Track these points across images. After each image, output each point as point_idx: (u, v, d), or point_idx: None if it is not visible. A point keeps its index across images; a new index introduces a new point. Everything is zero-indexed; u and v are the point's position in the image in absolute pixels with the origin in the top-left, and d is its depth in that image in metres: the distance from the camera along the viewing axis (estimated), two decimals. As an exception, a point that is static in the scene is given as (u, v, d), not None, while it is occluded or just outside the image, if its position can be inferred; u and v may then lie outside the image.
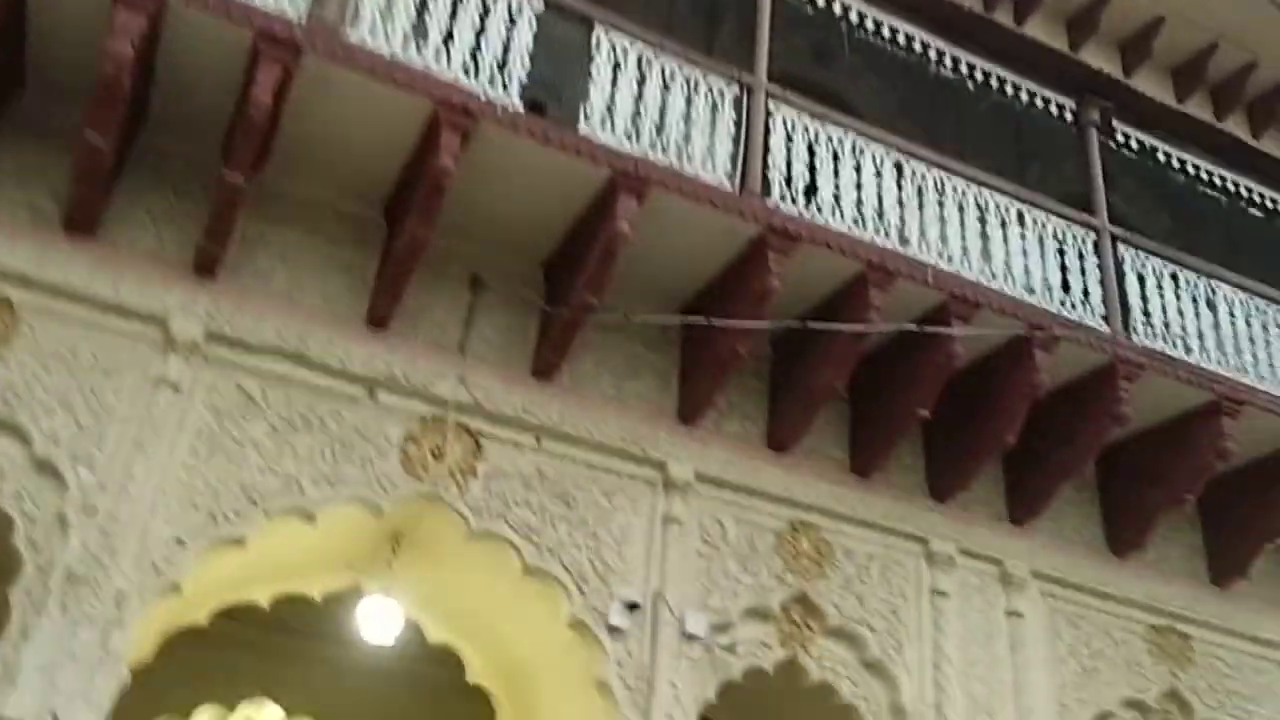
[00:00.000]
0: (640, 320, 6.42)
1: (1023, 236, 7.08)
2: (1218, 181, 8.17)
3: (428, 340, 6.14)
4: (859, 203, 6.60)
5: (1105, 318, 6.89)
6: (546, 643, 6.23)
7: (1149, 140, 7.98)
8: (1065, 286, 7.04)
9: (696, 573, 6.25)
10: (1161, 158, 8.00)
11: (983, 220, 7.00)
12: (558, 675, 6.32)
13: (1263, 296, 7.64)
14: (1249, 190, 8.23)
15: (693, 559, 6.28)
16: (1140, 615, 7.30)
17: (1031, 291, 6.83)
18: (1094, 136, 7.77)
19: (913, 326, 6.17)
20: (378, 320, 6.00)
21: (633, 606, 5.98)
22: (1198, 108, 9.54)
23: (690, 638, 6.05)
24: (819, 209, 6.42)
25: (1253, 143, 9.07)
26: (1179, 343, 7.04)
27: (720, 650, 6.12)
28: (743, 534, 6.47)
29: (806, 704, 6.47)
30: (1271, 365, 7.38)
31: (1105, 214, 7.35)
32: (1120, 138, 7.87)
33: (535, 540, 5.92)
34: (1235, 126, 9.53)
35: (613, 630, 5.89)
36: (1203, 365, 7.07)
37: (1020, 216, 7.14)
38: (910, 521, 6.89)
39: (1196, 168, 8.03)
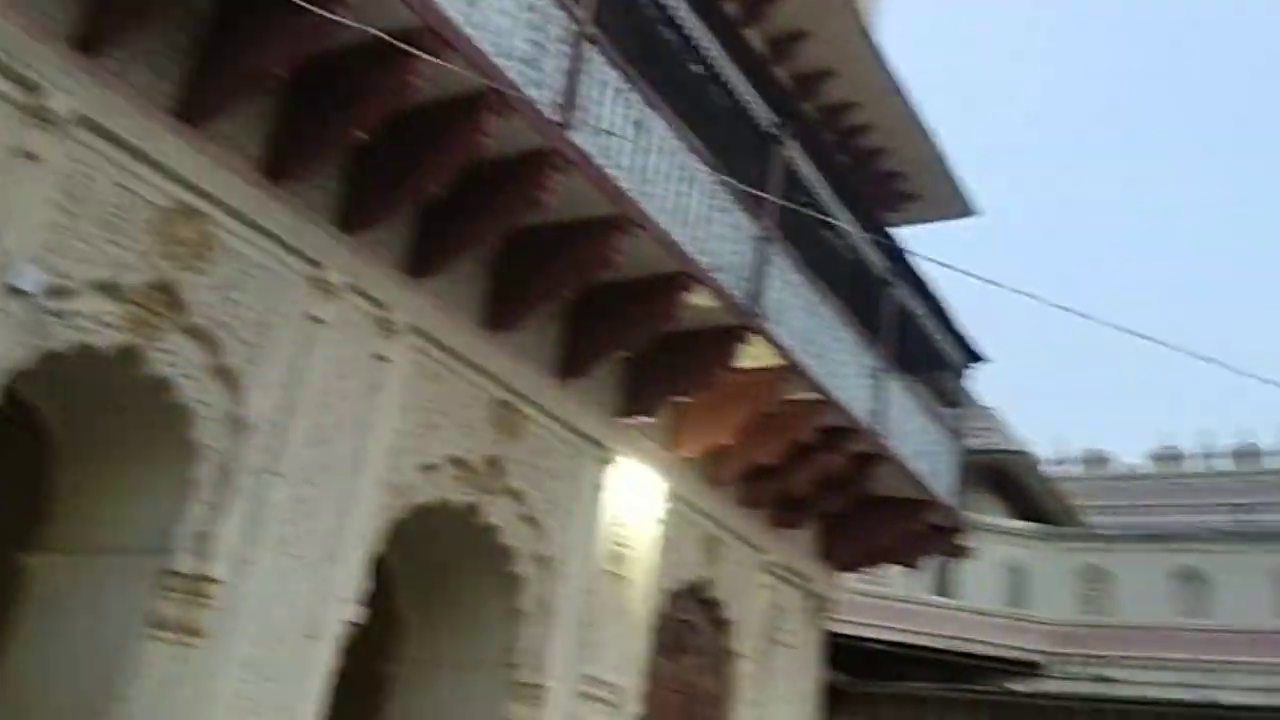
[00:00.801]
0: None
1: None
2: (680, 25, 8.63)
3: None
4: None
5: (560, 107, 6.99)
6: None
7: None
8: (536, 67, 6.97)
9: (46, 224, 5.32)
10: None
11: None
12: None
13: (683, 141, 8.32)
14: (700, 46, 8.83)
15: (46, 207, 5.32)
16: (491, 387, 7.81)
17: (505, 57, 6.65)
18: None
19: (383, 35, 5.65)
20: None
21: (-51, 239, 4.90)
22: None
23: (15, 292, 5.15)
24: None
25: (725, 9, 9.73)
26: (608, 154, 7.40)
27: (49, 316, 5.31)
28: (117, 199, 5.64)
29: (138, 395, 5.95)
30: (670, 202, 8.12)
31: (591, 13, 7.38)
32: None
33: None
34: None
35: (-86, 259, 4.78)
36: (619, 183, 7.54)
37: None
38: (306, 241, 6.53)
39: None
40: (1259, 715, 17.30)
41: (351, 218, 6.78)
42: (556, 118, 6.97)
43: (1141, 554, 21.42)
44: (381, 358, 6.96)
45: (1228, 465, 28.45)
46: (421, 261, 7.22)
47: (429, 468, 7.33)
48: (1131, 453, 29.87)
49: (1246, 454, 28.45)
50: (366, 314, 6.89)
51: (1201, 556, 21.00)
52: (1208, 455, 28.92)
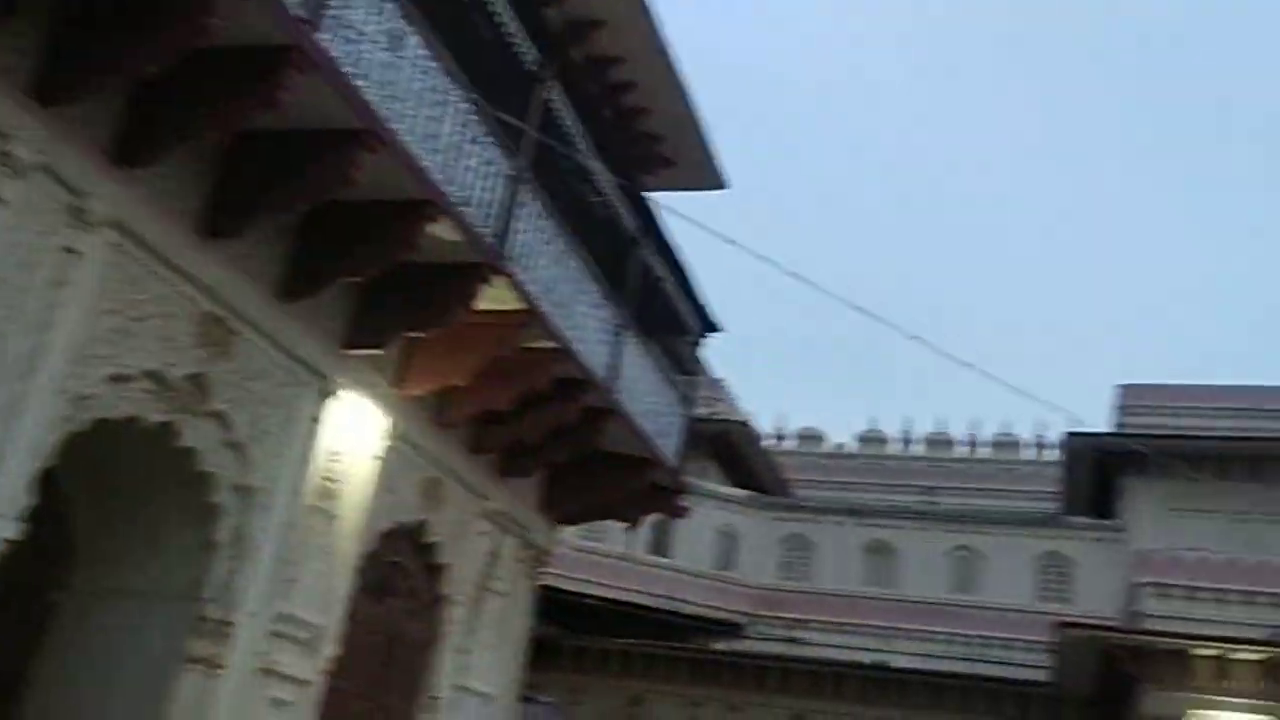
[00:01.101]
0: None
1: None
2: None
3: None
4: None
5: (305, 2, 6.42)
6: None
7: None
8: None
9: None
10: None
11: None
12: None
13: (441, 64, 7.90)
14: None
15: None
16: (200, 299, 7.16)
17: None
18: None
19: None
20: None
21: None
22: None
23: None
24: None
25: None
26: (356, 63, 6.91)
27: None
28: None
29: None
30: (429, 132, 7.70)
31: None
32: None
33: None
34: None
35: None
36: (366, 95, 7.05)
37: None
38: (-5, 111, 5.70)
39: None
40: (920, 677, 19.00)
41: (49, 89, 5.98)
42: (301, 13, 6.42)
43: (840, 526, 22.97)
44: (71, 250, 6.19)
45: (922, 450, 31.02)
46: (131, 150, 6.48)
47: (119, 379, 6.63)
48: (842, 433, 31.96)
49: (939, 441, 31.10)
50: (57, 199, 6.10)
51: (892, 532, 22.76)
52: (906, 440, 31.39)
